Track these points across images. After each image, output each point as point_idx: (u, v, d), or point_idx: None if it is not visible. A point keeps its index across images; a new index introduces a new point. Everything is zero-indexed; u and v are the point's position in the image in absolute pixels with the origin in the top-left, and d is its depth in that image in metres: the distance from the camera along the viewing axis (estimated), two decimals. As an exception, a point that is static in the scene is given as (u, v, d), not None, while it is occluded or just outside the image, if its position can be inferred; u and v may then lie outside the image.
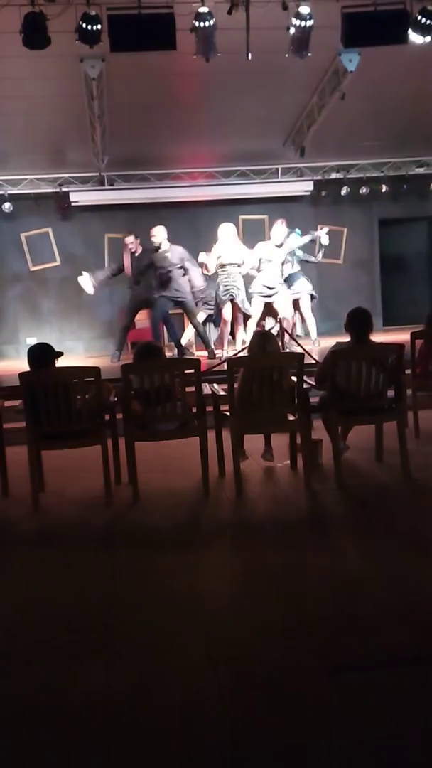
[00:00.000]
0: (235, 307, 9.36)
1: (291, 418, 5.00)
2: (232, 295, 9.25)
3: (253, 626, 2.93)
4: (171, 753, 2.16)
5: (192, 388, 4.94)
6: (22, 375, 4.81)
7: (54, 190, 12.29)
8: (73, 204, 12.27)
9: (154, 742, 2.21)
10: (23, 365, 5.22)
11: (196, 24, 7.46)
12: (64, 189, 12.27)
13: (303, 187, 12.79)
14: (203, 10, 7.42)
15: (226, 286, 9.24)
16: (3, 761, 2.17)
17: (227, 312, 9.34)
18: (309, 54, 7.88)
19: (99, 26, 7.18)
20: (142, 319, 12.17)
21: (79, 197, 12.26)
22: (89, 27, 7.18)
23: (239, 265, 9.25)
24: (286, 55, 7.94)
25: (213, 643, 2.81)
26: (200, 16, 7.42)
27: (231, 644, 2.81)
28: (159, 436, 5.04)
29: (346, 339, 5.14)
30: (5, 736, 2.30)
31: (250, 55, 7.67)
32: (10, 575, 3.76)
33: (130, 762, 2.13)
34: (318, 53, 8.13)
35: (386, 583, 3.28)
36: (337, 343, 5.17)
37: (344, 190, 12.83)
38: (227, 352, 9.33)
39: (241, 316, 9.54)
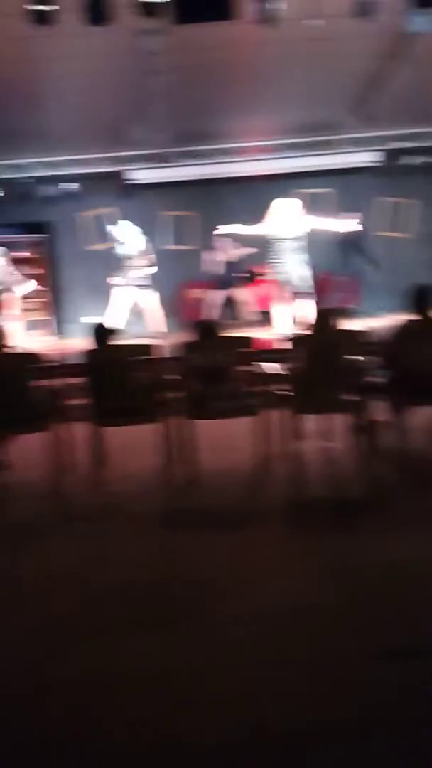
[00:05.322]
0: (282, 285, 9.27)
1: (351, 398, 4.92)
2: (290, 274, 9.14)
3: (305, 607, 2.92)
4: (221, 730, 2.17)
5: (250, 367, 4.91)
6: (84, 353, 4.88)
7: (114, 169, 12.34)
8: (132, 182, 12.31)
9: (206, 720, 2.23)
10: (85, 343, 5.30)
11: (258, -8, 7.35)
12: (125, 168, 12.31)
13: (368, 158, 12.45)
14: (265, -23, 7.29)
15: (283, 262, 9.15)
16: (61, 736, 2.21)
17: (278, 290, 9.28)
18: (375, 16, 7.65)
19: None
20: (198, 297, 12.20)
21: (140, 175, 12.30)
22: (151, 1, 7.17)
23: (293, 241, 9.16)
24: (351, 19, 7.73)
25: (264, 621, 2.81)
26: (262, -16, 7.30)
27: (282, 624, 2.80)
28: (217, 415, 5.04)
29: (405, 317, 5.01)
30: (63, 711, 2.35)
31: (311, 22, 7.52)
32: (71, 549, 3.84)
33: (183, 739, 2.15)
34: (384, 16, 7.87)
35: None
36: (403, 320, 5.04)
37: (411, 160, 12.40)
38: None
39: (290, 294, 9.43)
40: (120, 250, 10.41)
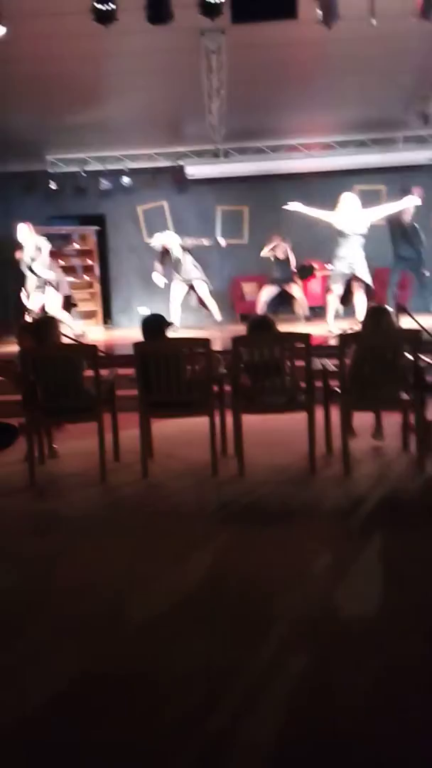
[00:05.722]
0: (353, 279, 9.21)
1: (404, 397, 4.89)
2: (352, 269, 9.10)
3: (358, 607, 2.91)
4: (266, 732, 2.19)
5: (302, 363, 4.92)
6: (135, 345, 4.95)
7: (170, 164, 12.46)
8: (188, 177, 12.41)
9: (250, 722, 2.24)
10: (136, 334, 5.37)
11: (319, -9, 7.31)
12: (180, 162, 12.42)
13: (426, 156, 12.29)
14: (326, -24, 7.25)
15: (346, 256, 9.11)
16: (110, 736, 2.23)
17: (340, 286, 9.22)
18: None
19: (221, -2, 7.19)
20: (250, 291, 12.23)
21: (195, 170, 12.38)
22: (211, 0, 7.20)
23: (357, 236, 9.11)
24: (412, 19, 7.64)
25: (315, 621, 2.81)
26: (323, -18, 7.26)
27: (334, 623, 2.80)
28: (267, 410, 5.07)
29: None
30: (110, 708, 2.35)
31: (374, 20, 7.44)
32: (118, 538, 3.90)
33: (229, 741, 2.17)
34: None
35: None
36: None
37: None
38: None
39: (360, 287, 9.35)
40: (171, 254, 10.55)
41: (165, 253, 10.57)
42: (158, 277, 10.71)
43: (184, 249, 10.50)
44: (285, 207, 9.57)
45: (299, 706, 2.29)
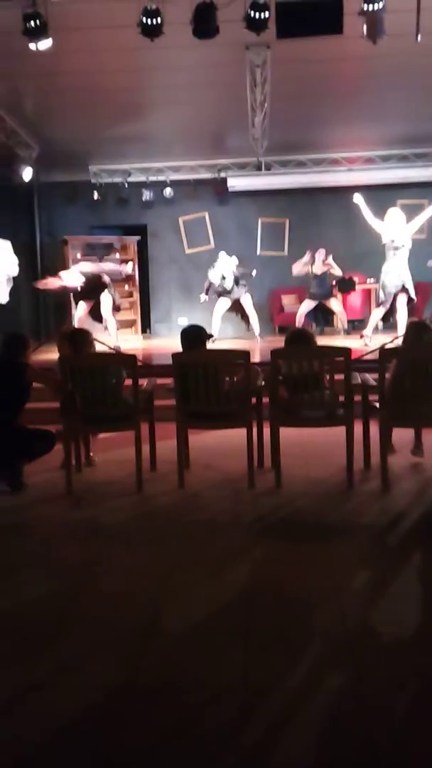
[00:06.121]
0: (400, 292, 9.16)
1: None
2: (402, 281, 9.04)
3: (395, 625, 2.88)
4: (302, 748, 2.17)
5: (341, 376, 4.90)
6: (174, 355, 4.98)
7: (212, 175, 12.55)
8: (230, 189, 12.48)
9: (286, 737, 2.23)
10: (175, 344, 5.39)
11: (366, 7, 7.32)
12: (222, 175, 12.50)
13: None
14: (373, -8, 7.25)
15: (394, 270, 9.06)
16: (144, 750, 2.22)
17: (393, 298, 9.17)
18: None
19: (267, 13, 7.22)
20: (290, 303, 12.22)
21: (236, 182, 12.45)
22: (257, 14, 7.23)
23: (402, 250, 9.07)
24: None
25: (352, 638, 2.78)
26: (370, -2, 7.27)
27: (370, 640, 2.78)
28: (305, 423, 5.04)
29: None
30: (145, 721, 2.32)
31: (419, 36, 7.41)
32: (154, 547, 3.90)
33: (264, 756, 2.15)
34: None
35: None
36: None
37: None
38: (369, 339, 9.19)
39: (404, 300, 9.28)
40: (225, 283, 10.61)
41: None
42: (203, 297, 10.89)
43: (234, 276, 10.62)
44: (354, 200, 9.53)
45: (335, 724, 2.26)
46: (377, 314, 9.37)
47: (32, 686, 2.56)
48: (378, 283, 9.45)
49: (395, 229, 9.07)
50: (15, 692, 2.53)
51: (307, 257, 10.64)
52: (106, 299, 9.72)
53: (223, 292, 10.68)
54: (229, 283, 10.59)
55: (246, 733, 2.23)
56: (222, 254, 10.87)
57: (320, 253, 10.59)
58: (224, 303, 10.71)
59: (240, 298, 10.70)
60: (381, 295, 9.22)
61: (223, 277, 10.57)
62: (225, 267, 10.65)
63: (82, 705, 2.43)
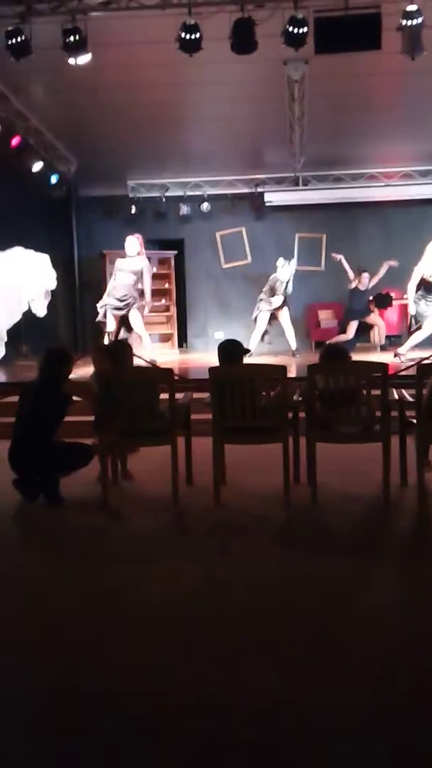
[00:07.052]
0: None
1: None
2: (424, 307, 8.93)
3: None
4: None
5: (378, 392, 4.85)
6: (211, 369, 4.98)
7: (250, 190, 12.60)
8: (267, 204, 12.50)
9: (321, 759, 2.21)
10: (211, 358, 5.40)
11: (404, 22, 7.32)
12: (260, 189, 12.54)
13: None
14: (412, 8, 7.25)
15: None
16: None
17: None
18: None
19: (305, 29, 7.26)
20: (326, 318, 12.17)
21: (274, 197, 12.48)
22: (295, 30, 7.27)
23: None
24: None
25: (387, 659, 2.74)
26: (408, 15, 7.26)
27: (406, 661, 2.74)
28: (341, 439, 5.01)
29: None
30: (181, 736, 2.32)
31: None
32: (189, 562, 3.90)
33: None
34: None
35: None
36: None
37: None
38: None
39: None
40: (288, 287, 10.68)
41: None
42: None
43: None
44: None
45: (373, 747, 2.23)
46: (417, 337, 9.21)
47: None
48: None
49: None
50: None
51: (351, 275, 10.61)
52: (135, 316, 9.73)
53: (274, 295, 10.65)
54: (290, 288, 10.61)
55: (283, 752, 2.21)
56: (281, 260, 10.86)
57: (365, 277, 10.52)
58: (265, 318, 10.71)
59: (280, 310, 10.66)
60: (422, 320, 9.07)
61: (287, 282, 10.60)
62: (289, 272, 10.67)
63: (113, 720, 2.42)
